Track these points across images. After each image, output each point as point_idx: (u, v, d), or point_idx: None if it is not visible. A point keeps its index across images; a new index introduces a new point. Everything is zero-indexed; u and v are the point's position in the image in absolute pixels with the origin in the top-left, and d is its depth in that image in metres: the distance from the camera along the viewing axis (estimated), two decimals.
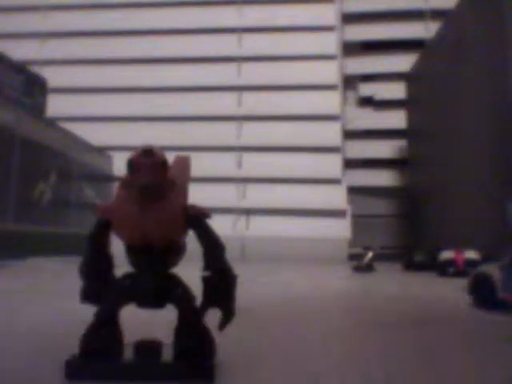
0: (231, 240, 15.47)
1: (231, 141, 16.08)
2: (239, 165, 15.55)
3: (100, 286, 0.65)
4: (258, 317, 2.44)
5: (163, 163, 0.68)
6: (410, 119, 14.12)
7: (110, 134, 16.74)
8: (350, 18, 14.14)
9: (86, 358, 0.56)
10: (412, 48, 13.42)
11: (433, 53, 12.21)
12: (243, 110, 15.93)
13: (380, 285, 4.83)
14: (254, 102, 14.65)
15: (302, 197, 13.22)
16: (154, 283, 0.62)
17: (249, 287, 3.72)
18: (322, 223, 12.78)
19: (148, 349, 0.60)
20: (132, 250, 0.63)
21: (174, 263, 0.72)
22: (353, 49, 14.20)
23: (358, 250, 9.73)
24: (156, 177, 0.59)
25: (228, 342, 1.13)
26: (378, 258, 9.01)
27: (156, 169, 0.65)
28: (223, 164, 15.79)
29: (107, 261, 0.70)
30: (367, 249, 9.29)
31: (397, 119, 14.35)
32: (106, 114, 17.72)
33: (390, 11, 13.76)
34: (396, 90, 14.01)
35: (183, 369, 0.56)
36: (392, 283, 5.19)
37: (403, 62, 13.87)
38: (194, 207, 0.63)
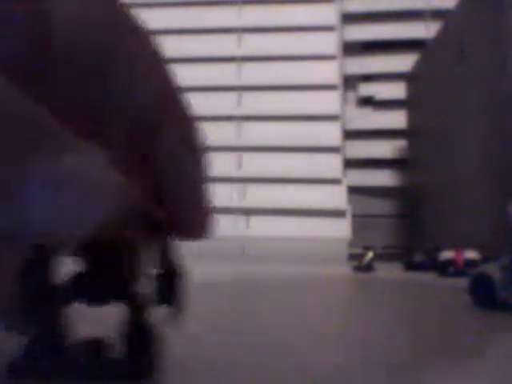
0: (231, 240, 15.50)
1: (231, 141, 16.09)
2: (239, 165, 15.55)
3: (40, 290, 0.60)
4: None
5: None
6: (410, 119, 14.12)
7: None
8: (350, 18, 14.13)
9: (29, 357, 0.54)
10: (412, 48, 13.42)
11: (433, 53, 12.21)
12: (243, 110, 15.93)
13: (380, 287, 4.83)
14: (253, 102, 14.65)
15: (302, 197, 13.22)
16: (104, 281, 0.60)
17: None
18: (322, 223, 12.77)
19: (93, 346, 0.59)
20: (80, 247, 0.61)
21: (124, 260, 0.70)
22: (353, 49, 14.19)
23: (358, 250, 9.73)
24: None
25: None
26: (378, 257, 9.00)
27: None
28: (223, 164, 15.78)
29: (49, 262, 0.65)
30: (367, 249, 9.29)
31: (397, 119, 14.33)
32: None
33: (389, 11, 13.75)
34: (396, 90, 14.00)
35: (125, 367, 0.55)
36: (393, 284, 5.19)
37: (403, 62, 13.85)
38: (146, 204, 0.61)
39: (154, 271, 0.70)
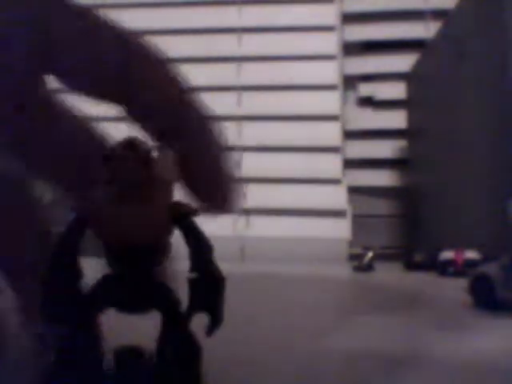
0: (231, 240, 15.49)
1: (231, 140, 16.02)
2: (239, 165, 15.55)
3: (62, 301, 0.57)
4: None
5: (148, 158, 0.60)
6: (410, 119, 14.10)
7: (109, 135, 16.66)
8: (350, 18, 14.12)
9: (61, 367, 0.52)
10: (412, 48, 13.41)
11: (433, 53, 12.19)
12: (243, 110, 15.93)
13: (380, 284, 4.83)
14: (253, 102, 14.66)
15: (302, 197, 13.20)
16: (139, 287, 0.57)
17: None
18: (322, 223, 12.76)
19: (129, 357, 0.57)
20: (112, 251, 0.58)
21: (159, 264, 0.68)
22: (353, 49, 14.17)
23: (358, 250, 9.73)
24: (138, 174, 0.53)
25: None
26: (378, 257, 9.00)
27: (139, 164, 0.58)
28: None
29: (76, 268, 0.62)
30: (367, 249, 9.26)
31: (397, 119, 14.32)
32: (106, 114, 17.66)
33: (390, 11, 13.74)
34: (396, 90, 13.99)
35: (164, 379, 0.53)
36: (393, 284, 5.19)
37: (403, 62, 13.84)
38: (179, 205, 0.60)
39: (191, 276, 0.68)
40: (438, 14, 15.34)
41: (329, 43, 14.65)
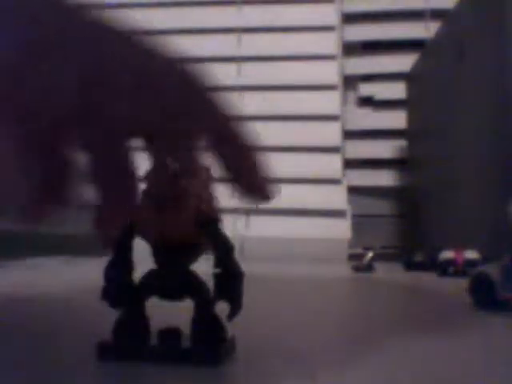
0: (231, 240, 15.40)
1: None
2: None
3: (120, 288, 0.64)
4: None
5: (174, 176, 0.67)
6: (410, 119, 14.01)
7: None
8: (350, 18, 14.06)
9: (117, 342, 0.56)
10: (412, 48, 13.35)
11: (433, 53, 12.12)
12: (243, 110, 15.83)
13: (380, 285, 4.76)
14: (253, 102, 14.63)
15: (302, 197, 13.10)
16: (178, 279, 0.62)
17: None
18: (322, 223, 12.68)
19: (170, 335, 0.60)
20: (155, 250, 0.64)
21: (194, 261, 0.72)
22: (353, 49, 14.13)
23: (358, 250, 9.70)
24: (169, 191, 0.58)
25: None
26: (378, 257, 8.97)
27: (166, 182, 0.64)
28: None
29: (129, 263, 0.69)
30: (367, 249, 9.19)
31: (397, 119, 14.24)
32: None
33: (390, 11, 13.69)
34: (396, 90, 13.92)
35: (199, 353, 0.57)
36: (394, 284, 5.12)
37: (403, 62, 13.76)
38: (206, 213, 0.63)
39: (215, 271, 0.69)
40: (437, 13, 15.28)
41: (329, 43, 14.59)
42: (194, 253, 0.61)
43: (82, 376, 0.43)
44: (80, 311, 1.01)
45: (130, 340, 0.51)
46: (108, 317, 0.57)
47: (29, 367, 0.44)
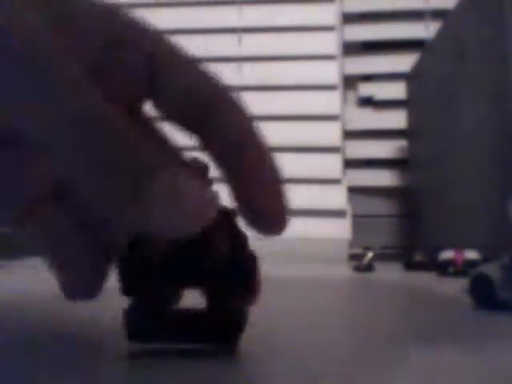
0: None
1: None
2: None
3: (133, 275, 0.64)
4: None
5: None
6: (410, 119, 13.97)
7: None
8: (350, 18, 14.03)
9: (145, 321, 0.57)
10: (412, 48, 13.31)
11: (433, 53, 12.10)
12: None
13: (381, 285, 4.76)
14: (253, 102, 14.59)
15: (302, 197, 13.09)
16: (195, 265, 0.64)
17: None
18: (322, 223, 12.67)
19: (189, 316, 0.61)
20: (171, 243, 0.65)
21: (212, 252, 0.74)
22: (353, 49, 14.09)
23: (358, 250, 9.69)
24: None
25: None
26: (378, 258, 8.96)
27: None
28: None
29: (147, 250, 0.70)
30: (367, 249, 9.16)
31: (397, 119, 14.20)
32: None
33: (389, 11, 13.66)
34: (396, 90, 13.88)
35: (218, 334, 0.57)
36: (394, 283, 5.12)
37: (403, 62, 13.71)
38: (222, 208, 0.65)
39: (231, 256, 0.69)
40: (437, 13, 15.24)
41: (329, 43, 14.57)
42: (212, 245, 0.64)
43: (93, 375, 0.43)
44: (79, 310, 1.02)
45: (149, 319, 0.52)
46: (108, 316, 0.57)
47: (29, 367, 0.44)
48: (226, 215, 0.62)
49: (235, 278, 0.60)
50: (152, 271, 0.57)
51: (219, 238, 0.62)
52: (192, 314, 0.59)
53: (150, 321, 0.55)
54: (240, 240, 0.64)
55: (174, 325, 0.56)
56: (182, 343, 0.54)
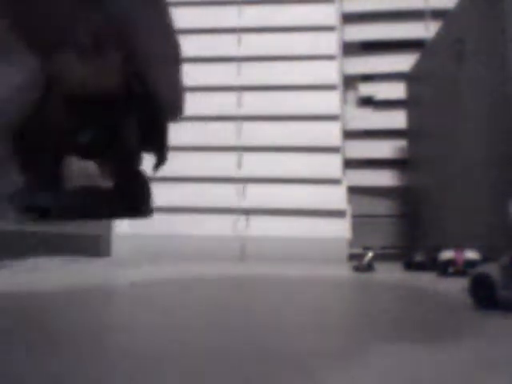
0: (231, 240, 15.48)
1: (231, 141, 16.06)
2: (239, 165, 15.54)
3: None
4: None
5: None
6: (410, 119, 14.09)
7: None
8: (350, 18, 14.12)
9: (28, 191, 0.56)
10: (412, 48, 13.41)
11: (433, 53, 12.19)
12: (243, 110, 15.92)
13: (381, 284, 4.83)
14: (254, 102, 14.65)
15: (302, 197, 13.19)
16: (100, 135, 0.65)
17: None
18: (322, 223, 12.76)
19: (90, 189, 0.60)
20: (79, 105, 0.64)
21: (122, 118, 0.75)
22: (353, 49, 14.18)
23: (358, 250, 9.75)
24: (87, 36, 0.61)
25: None
26: (378, 257, 9.00)
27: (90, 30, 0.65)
28: (223, 164, 15.78)
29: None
30: (367, 249, 9.24)
31: (397, 119, 14.31)
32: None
33: (390, 11, 13.74)
34: (396, 90, 13.99)
35: (123, 204, 0.58)
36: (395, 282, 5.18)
37: (403, 62, 13.84)
38: (135, 68, 0.66)
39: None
40: (437, 13, 15.36)
41: (329, 43, 14.66)
42: (120, 107, 0.60)
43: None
44: (80, 310, 1.02)
45: (43, 189, 0.51)
46: (107, 316, 0.57)
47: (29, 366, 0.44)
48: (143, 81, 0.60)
49: (143, 144, 0.58)
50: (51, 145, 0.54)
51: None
52: (95, 189, 0.56)
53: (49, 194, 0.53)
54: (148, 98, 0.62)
55: (79, 199, 0.53)
56: (91, 218, 0.52)
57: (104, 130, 0.67)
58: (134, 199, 0.58)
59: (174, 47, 0.81)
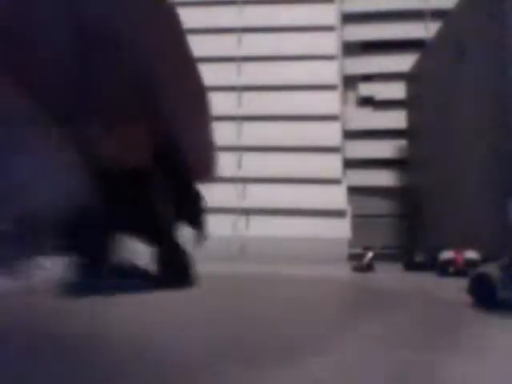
0: (231, 240, 15.44)
1: (231, 141, 15.99)
2: (239, 165, 15.51)
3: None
4: None
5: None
6: (410, 119, 14.04)
7: None
8: (350, 18, 14.09)
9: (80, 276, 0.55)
10: (412, 48, 13.38)
11: (433, 53, 12.16)
12: (243, 110, 15.83)
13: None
14: (253, 102, 14.63)
15: (302, 197, 13.13)
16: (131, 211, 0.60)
17: None
18: (322, 223, 12.71)
19: (126, 266, 0.59)
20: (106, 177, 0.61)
21: (148, 192, 0.69)
22: (353, 49, 14.15)
23: (358, 250, 9.73)
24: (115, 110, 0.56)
25: None
26: (378, 257, 8.98)
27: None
28: (223, 164, 15.70)
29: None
30: (367, 249, 9.20)
31: (397, 119, 14.28)
32: None
33: (390, 11, 13.71)
34: (396, 90, 13.95)
35: (165, 279, 0.56)
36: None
37: (403, 62, 13.79)
38: (161, 141, 0.60)
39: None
40: (437, 14, 15.31)
41: (329, 43, 14.61)
42: (147, 182, 0.60)
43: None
44: (79, 309, 1.01)
45: (92, 275, 0.52)
46: (107, 315, 0.56)
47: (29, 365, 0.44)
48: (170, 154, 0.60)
49: (179, 215, 0.57)
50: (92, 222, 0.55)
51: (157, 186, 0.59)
52: (135, 266, 0.56)
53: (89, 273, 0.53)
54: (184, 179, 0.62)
55: (118, 275, 0.54)
56: (131, 292, 0.52)
57: (140, 204, 0.64)
58: (176, 274, 0.56)
59: (201, 94, 0.70)
